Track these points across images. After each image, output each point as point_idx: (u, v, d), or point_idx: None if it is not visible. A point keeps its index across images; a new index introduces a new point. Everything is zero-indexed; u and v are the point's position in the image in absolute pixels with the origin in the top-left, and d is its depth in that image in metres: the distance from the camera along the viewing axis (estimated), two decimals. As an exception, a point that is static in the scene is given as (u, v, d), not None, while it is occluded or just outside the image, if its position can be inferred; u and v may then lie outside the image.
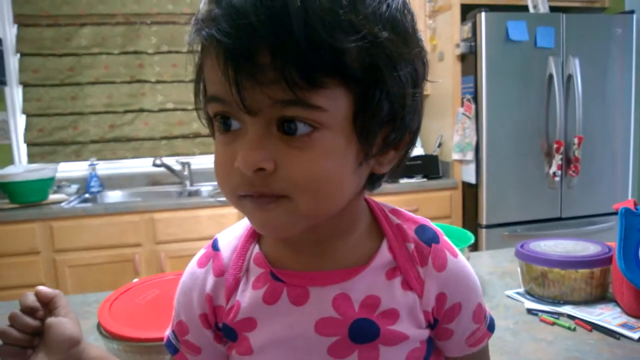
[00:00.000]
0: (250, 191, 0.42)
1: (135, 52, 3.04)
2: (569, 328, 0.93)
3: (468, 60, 2.83)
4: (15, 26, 2.93)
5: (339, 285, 0.48)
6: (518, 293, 1.11)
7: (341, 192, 0.43)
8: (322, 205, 0.43)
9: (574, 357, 0.83)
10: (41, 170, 2.64)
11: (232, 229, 0.54)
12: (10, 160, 2.99)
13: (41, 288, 0.55)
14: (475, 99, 2.76)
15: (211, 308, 0.51)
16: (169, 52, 3.05)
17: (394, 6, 0.42)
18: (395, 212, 0.53)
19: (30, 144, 3.01)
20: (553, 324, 0.95)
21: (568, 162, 2.77)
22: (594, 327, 0.93)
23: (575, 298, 1.03)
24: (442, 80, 3.03)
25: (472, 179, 2.84)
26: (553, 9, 2.83)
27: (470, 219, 2.90)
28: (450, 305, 0.50)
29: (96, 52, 3.00)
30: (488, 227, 2.76)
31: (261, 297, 0.49)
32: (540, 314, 0.99)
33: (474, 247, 2.71)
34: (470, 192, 2.89)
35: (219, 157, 0.44)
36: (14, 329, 0.52)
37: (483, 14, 2.65)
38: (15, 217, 2.49)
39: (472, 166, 2.82)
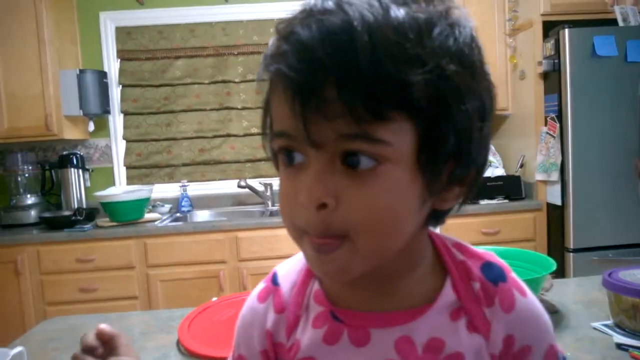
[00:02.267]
0: (312, 231, 0.41)
1: (224, 81, 3.24)
2: (661, 364, 0.89)
3: (551, 78, 2.74)
4: (119, 60, 3.23)
5: (401, 327, 0.46)
6: (606, 325, 1.07)
7: (402, 230, 0.42)
8: (382, 244, 0.42)
9: (666, 396, 0.80)
10: (138, 192, 2.87)
11: (291, 263, 0.54)
12: (111, 182, 3.27)
13: (102, 326, 0.55)
14: (560, 117, 2.67)
15: (271, 345, 0.51)
16: (254, 80, 3.22)
17: (461, 40, 0.41)
18: (459, 246, 0.50)
19: (129, 167, 3.28)
20: (644, 359, 0.92)
21: (663, 183, 2.59)
22: (690, 364, 0.88)
23: (670, 333, 0.98)
24: (524, 99, 2.96)
25: (557, 201, 2.73)
26: (646, 21, 2.69)
27: (556, 243, 2.78)
28: (519, 348, 0.48)
29: (188, 82, 3.24)
30: (575, 251, 2.64)
31: (321, 337, 0.48)
32: (631, 349, 0.95)
33: (561, 274, 2.60)
34: (555, 214, 2.78)
35: (283, 191, 0.43)
36: None
37: (567, 30, 2.57)
38: (114, 235, 2.73)
39: (557, 187, 2.72)
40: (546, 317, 0.50)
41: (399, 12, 0.39)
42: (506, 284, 0.48)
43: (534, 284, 1.09)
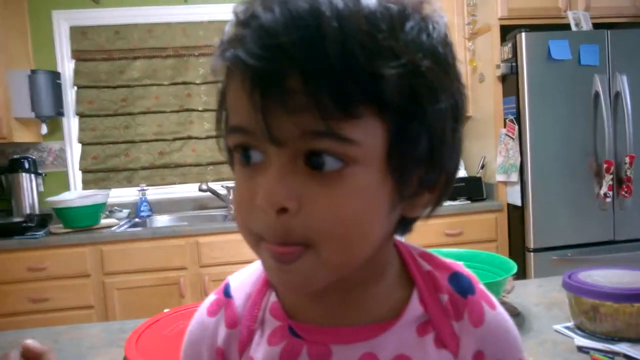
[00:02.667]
0: (271, 238, 0.37)
1: (184, 83, 3.16)
2: (622, 366, 0.90)
3: (509, 81, 2.80)
4: (73, 61, 3.11)
5: (365, 343, 0.43)
6: (567, 327, 1.08)
7: (370, 237, 0.39)
8: (349, 253, 0.38)
9: (626, 398, 0.80)
10: (94, 196, 2.76)
11: (246, 273, 0.50)
12: (65, 187, 3.14)
13: (28, 342, 0.51)
14: (518, 119, 2.72)
15: None
16: (216, 82, 3.14)
17: (434, 35, 0.38)
18: (425, 256, 0.48)
19: (84, 171, 3.16)
20: (605, 361, 0.92)
21: (620, 182, 2.67)
22: (649, 365, 0.89)
23: (632, 335, 0.99)
24: (483, 101, 3.00)
25: (517, 201, 2.78)
26: (596, 25, 2.78)
27: (517, 243, 2.83)
28: None
29: (147, 84, 3.15)
30: (536, 250, 2.69)
31: (278, 354, 0.44)
32: (592, 352, 0.96)
33: (522, 274, 2.65)
34: (516, 215, 2.83)
35: (239, 192, 0.39)
36: None
37: (523, 34, 2.63)
38: (68, 241, 2.62)
39: (517, 188, 2.77)
40: (515, 331, 0.48)
41: (370, 1, 0.35)
42: (475, 296, 0.46)
43: (495, 287, 1.09)
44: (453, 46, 0.41)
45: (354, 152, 0.35)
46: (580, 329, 1.06)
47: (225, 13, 3.13)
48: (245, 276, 0.49)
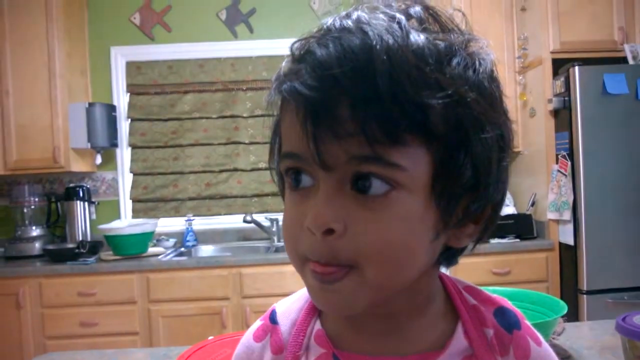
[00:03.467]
0: (317, 258, 0.39)
1: (232, 116, 3.26)
2: (682, 419, 0.82)
3: (562, 115, 2.72)
4: (128, 94, 3.27)
5: None
6: (621, 373, 1.00)
7: (414, 262, 0.40)
8: (392, 276, 0.39)
9: None
10: (143, 225, 2.84)
11: (291, 299, 0.51)
12: (116, 215, 3.26)
13: None
14: (571, 155, 2.63)
15: None
16: (262, 115, 3.23)
17: (481, 71, 0.40)
18: (471, 290, 0.48)
19: (135, 201, 3.27)
20: (663, 412, 0.85)
21: (679, 223, 2.52)
22: None
23: (690, 383, 0.91)
24: (534, 136, 2.93)
25: (570, 240, 2.65)
26: (656, 59, 2.68)
27: (569, 284, 2.69)
28: None
29: (197, 117, 3.26)
30: (589, 293, 2.54)
31: None
32: (647, 399, 0.89)
33: (574, 316, 2.51)
34: (568, 255, 2.70)
35: (288, 216, 0.41)
36: None
37: (577, 67, 2.56)
38: (117, 268, 2.69)
39: (570, 226, 2.65)
40: None
41: (419, 38, 0.38)
42: (521, 332, 0.46)
43: (544, 327, 1.03)
44: (499, 81, 0.43)
45: (399, 177, 0.37)
46: (636, 376, 0.98)
47: (272, 48, 3.23)
48: (291, 303, 0.50)
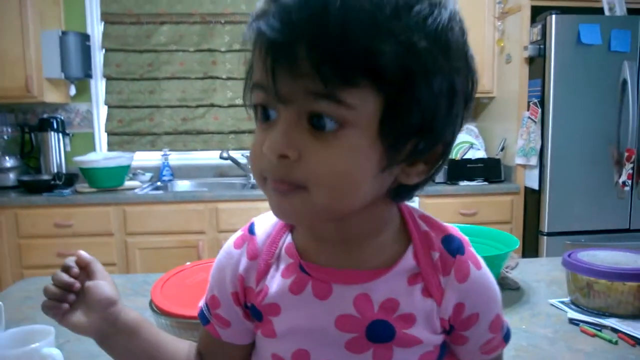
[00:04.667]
0: (273, 175, 0.44)
1: (209, 50, 3.20)
2: (610, 341, 0.93)
3: (536, 63, 2.76)
4: (102, 23, 3.17)
5: (361, 285, 0.50)
6: (562, 302, 1.11)
7: (357, 192, 0.44)
8: (336, 201, 0.44)
9: (610, 369, 0.84)
10: (118, 158, 2.85)
11: (268, 215, 0.56)
12: (91, 148, 3.24)
13: (80, 252, 0.58)
14: (542, 103, 2.70)
15: (242, 288, 0.55)
16: (241, 50, 3.19)
17: (439, 20, 0.42)
18: (424, 218, 0.53)
19: (110, 134, 3.25)
20: (594, 335, 0.95)
21: (639, 171, 2.64)
22: (638, 342, 0.92)
23: (622, 312, 1.02)
24: (509, 82, 2.98)
25: (535, 185, 2.77)
26: (632, 11, 2.71)
27: (532, 226, 2.84)
28: (468, 315, 0.51)
29: (173, 49, 3.19)
30: (550, 234, 2.69)
31: (288, 286, 0.51)
32: (581, 324, 0.99)
33: (535, 256, 2.66)
34: (532, 198, 2.83)
35: (255, 142, 0.47)
36: (53, 285, 0.55)
37: (554, 16, 2.58)
38: (93, 201, 2.72)
39: (536, 172, 2.76)
40: (496, 288, 0.54)
41: None
42: (463, 256, 0.51)
43: (497, 260, 1.13)
44: (463, 32, 0.45)
45: (349, 115, 0.41)
46: (575, 304, 1.09)
47: (253, -18, 3.15)
48: (268, 218, 0.57)
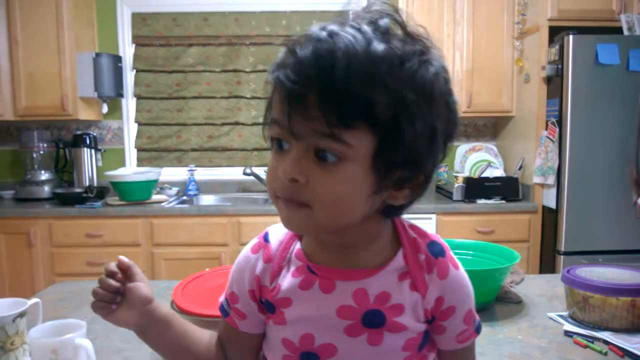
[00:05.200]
0: (284, 194, 0.54)
1: (234, 71, 3.34)
2: (600, 352, 0.97)
3: (554, 82, 2.79)
4: (134, 46, 3.35)
5: (359, 281, 0.59)
6: (560, 316, 1.15)
7: (352, 211, 0.55)
8: (334, 218, 0.54)
9: (596, 378, 0.88)
10: (147, 173, 2.99)
11: (280, 226, 0.64)
12: (122, 163, 3.39)
13: (121, 257, 0.66)
14: (560, 122, 2.72)
15: (258, 286, 0.64)
16: (264, 70, 3.31)
17: (427, 75, 0.52)
18: (413, 227, 0.64)
19: (139, 150, 3.40)
20: (586, 347, 1.00)
21: (659, 192, 2.64)
22: (627, 354, 0.96)
23: (616, 325, 1.06)
24: (527, 102, 3.01)
25: (552, 204, 2.79)
26: (650, 31, 2.72)
27: (549, 245, 2.84)
28: (446, 307, 0.61)
29: (200, 70, 3.34)
30: (567, 254, 2.70)
31: (298, 283, 0.61)
32: (575, 336, 1.04)
33: (552, 273, 2.66)
34: (550, 218, 2.84)
35: (270, 166, 0.56)
36: (101, 289, 0.64)
37: (571, 36, 2.62)
38: (122, 213, 2.85)
39: (553, 191, 2.78)
40: (470, 287, 0.63)
41: (378, 46, 0.50)
42: (444, 258, 0.62)
43: (499, 272, 1.18)
44: (447, 82, 0.55)
45: (348, 151, 0.51)
46: (572, 318, 1.13)
47: (275, 4, 3.29)
48: (280, 228, 0.66)
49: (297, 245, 0.64)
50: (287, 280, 0.62)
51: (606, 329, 1.06)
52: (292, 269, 0.63)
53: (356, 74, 0.48)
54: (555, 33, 2.80)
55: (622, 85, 2.62)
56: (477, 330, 0.65)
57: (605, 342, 1.01)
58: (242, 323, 0.67)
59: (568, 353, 0.98)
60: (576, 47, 2.62)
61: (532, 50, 2.96)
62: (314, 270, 0.61)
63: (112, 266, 0.65)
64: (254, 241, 0.67)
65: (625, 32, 2.74)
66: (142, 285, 0.66)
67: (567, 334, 1.05)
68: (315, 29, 0.52)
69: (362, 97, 0.48)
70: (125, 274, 0.66)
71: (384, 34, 0.52)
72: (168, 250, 2.86)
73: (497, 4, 3.09)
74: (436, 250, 0.61)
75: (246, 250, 0.67)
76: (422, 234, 0.63)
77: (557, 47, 2.74)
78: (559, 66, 2.72)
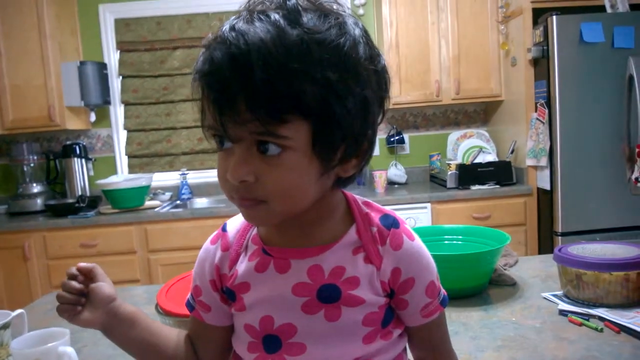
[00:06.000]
0: (238, 195, 0.54)
1: (220, 71, 3.31)
2: (595, 329, 0.96)
3: (541, 64, 2.79)
4: (118, 52, 3.32)
5: (313, 258, 0.59)
6: (554, 295, 1.14)
7: (305, 196, 0.55)
8: (291, 207, 0.55)
9: (591, 357, 0.87)
10: (138, 179, 2.97)
11: (238, 216, 0.67)
12: (113, 171, 3.38)
13: (81, 264, 0.67)
14: (549, 103, 2.72)
15: (218, 275, 0.65)
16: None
17: (345, 48, 0.51)
18: (366, 203, 0.64)
19: (130, 156, 3.38)
20: (581, 324, 0.99)
21: (653, 167, 2.63)
22: (623, 329, 0.95)
23: (611, 301, 1.05)
24: (515, 85, 3.01)
25: (547, 185, 2.78)
26: (633, 7, 2.72)
27: (546, 227, 2.84)
28: (404, 279, 0.61)
29: (187, 72, 3.32)
30: (564, 234, 2.69)
31: (253, 266, 0.62)
32: (570, 314, 1.03)
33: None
34: (545, 199, 2.83)
35: (219, 169, 0.56)
36: (65, 291, 0.65)
37: (554, 17, 2.61)
38: (115, 221, 2.83)
39: (547, 172, 2.77)
40: (429, 258, 0.63)
41: (291, 35, 0.49)
42: (398, 230, 0.61)
43: (490, 254, 1.17)
44: (368, 45, 0.54)
45: (287, 143, 0.51)
46: (566, 296, 1.12)
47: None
48: (237, 218, 0.67)
49: (254, 231, 0.65)
50: (243, 265, 0.63)
51: (601, 305, 1.05)
52: (249, 253, 0.63)
53: (275, 71, 0.48)
54: (539, 15, 2.79)
55: (608, 63, 2.61)
56: (443, 304, 0.65)
57: (601, 319, 1.00)
58: (207, 315, 0.67)
59: (563, 332, 0.97)
60: (560, 27, 2.62)
61: (517, 33, 2.95)
62: (269, 251, 0.61)
63: (73, 269, 0.66)
64: (214, 233, 0.68)
65: (609, 10, 2.73)
66: (104, 284, 0.67)
67: (562, 313, 1.05)
68: (225, 29, 0.51)
69: (286, 91, 0.48)
70: (88, 276, 0.67)
71: (294, 16, 0.51)
72: (164, 256, 2.85)
73: (480, -12, 3.08)
74: (389, 222, 0.62)
75: (206, 243, 0.68)
76: (376, 208, 0.64)
77: (541, 28, 2.73)
78: (545, 47, 2.71)
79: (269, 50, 0.48)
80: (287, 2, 0.51)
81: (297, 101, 0.49)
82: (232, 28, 0.51)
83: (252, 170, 0.52)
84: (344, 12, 0.54)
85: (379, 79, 0.56)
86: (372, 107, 0.55)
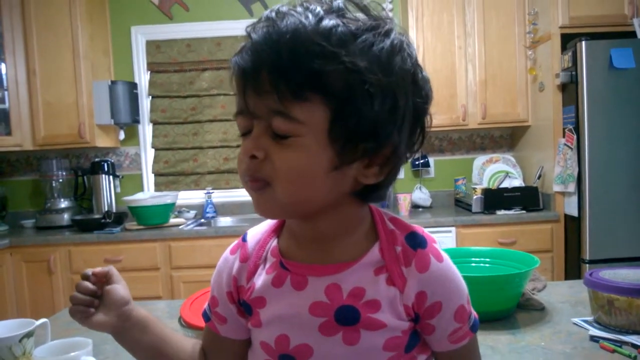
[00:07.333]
0: (247, 175, 0.54)
1: (248, 92, 3.36)
2: (629, 356, 0.93)
3: (569, 90, 2.76)
4: (149, 72, 3.41)
5: (332, 276, 0.57)
6: (585, 321, 1.11)
7: (312, 186, 0.53)
8: (294, 193, 0.53)
9: (626, 382, 0.84)
10: (164, 197, 3.01)
11: (260, 226, 0.66)
12: (139, 188, 3.43)
13: (97, 269, 0.66)
14: (577, 129, 2.68)
15: (235, 287, 0.63)
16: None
17: (382, 45, 0.51)
18: (393, 219, 0.61)
19: (157, 174, 3.44)
20: (613, 351, 0.95)
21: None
22: (658, 357, 0.92)
23: (645, 328, 1.01)
24: (543, 110, 2.98)
25: (574, 212, 2.72)
26: (664, 33, 2.68)
27: (573, 254, 2.77)
28: (430, 304, 0.57)
29: (215, 94, 3.38)
30: (592, 262, 2.62)
31: (270, 280, 0.59)
32: (601, 341, 0.99)
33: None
34: (573, 226, 2.77)
35: (239, 155, 0.56)
36: (78, 292, 0.64)
37: (584, 42, 2.59)
38: (140, 237, 2.86)
39: (575, 198, 2.72)
40: (459, 281, 0.59)
41: (329, 22, 0.50)
42: (425, 250, 0.57)
43: (518, 277, 1.14)
44: (409, 57, 0.53)
45: (299, 129, 0.50)
46: (598, 322, 1.09)
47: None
48: (259, 227, 0.66)
49: (274, 243, 0.62)
50: (261, 278, 0.61)
51: (634, 332, 1.02)
52: (267, 266, 0.61)
53: (303, 47, 0.48)
54: (567, 40, 2.77)
55: (638, 89, 2.57)
56: (473, 329, 0.61)
57: (634, 346, 0.96)
58: (222, 327, 0.65)
59: (595, 359, 0.93)
60: (589, 52, 2.59)
61: (545, 58, 2.93)
62: (286, 265, 0.59)
63: (88, 271, 0.66)
64: (234, 242, 0.67)
65: (639, 36, 2.70)
66: (119, 287, 0.66)
67: (593, 339, 1.01)
68: (267, 12, 0.53)
69: (309, 68, 0.48)
70: (102, 280, 0.66)
71: (337, 13, 0.52)
72: (187, 273, 2.86)
73: (507, 14, 3.08)
74: (416, 242, 0.58)
75: (225, 253, 0.66)
76: (403, 226, 0.60)
77: (570, 53, 2.71)
78: (573, 73, 2.69)
79: (302, 28, 0.49)
80: (334, 2, 0.53)
81: (319, 79, 0.49)
82: (274, 10, 0.53)
83: (263, 146, 0.52)
84: (391, 22, 0.54)
85: (417, 88, 0.54)
86: (401, 110, 0.53)
